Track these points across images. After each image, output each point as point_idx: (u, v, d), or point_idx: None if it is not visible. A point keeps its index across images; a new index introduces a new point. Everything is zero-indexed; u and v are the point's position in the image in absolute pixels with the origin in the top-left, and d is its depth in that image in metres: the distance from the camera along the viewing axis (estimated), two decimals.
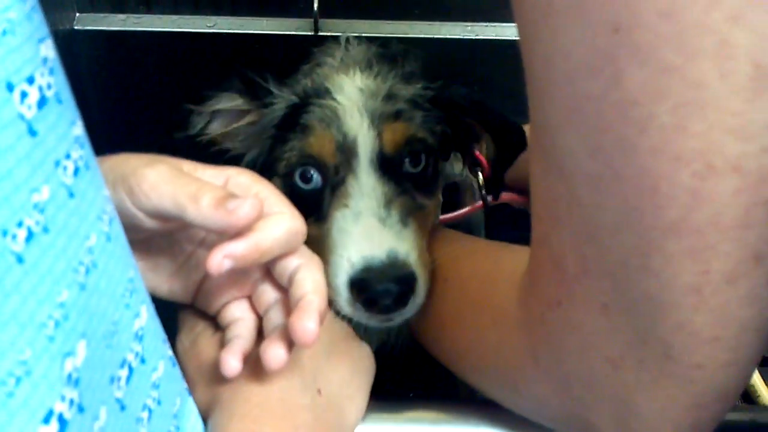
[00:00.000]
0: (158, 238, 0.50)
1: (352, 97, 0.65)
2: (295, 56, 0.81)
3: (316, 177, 0.64)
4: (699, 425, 0.39)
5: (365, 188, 0.62)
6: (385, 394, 0.54)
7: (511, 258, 0.51)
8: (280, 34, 1.02)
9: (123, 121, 1.05)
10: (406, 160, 0.65)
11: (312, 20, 1.01)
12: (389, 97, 0.66)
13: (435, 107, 0.68)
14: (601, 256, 0.36)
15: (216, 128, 0.71)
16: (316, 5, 1.00)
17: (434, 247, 0.65)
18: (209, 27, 1.02)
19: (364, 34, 1.01)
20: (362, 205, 0.61)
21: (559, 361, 0.42)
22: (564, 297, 0.39)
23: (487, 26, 1.02)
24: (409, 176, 0.65)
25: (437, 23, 1.04)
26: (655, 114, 0.30)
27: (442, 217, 0.78)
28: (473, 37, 1.02)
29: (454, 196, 0.83)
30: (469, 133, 0.73)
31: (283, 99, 0.67)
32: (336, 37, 0.80)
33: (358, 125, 0.63)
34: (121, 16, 1.02)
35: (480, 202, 0.80)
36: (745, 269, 0.33)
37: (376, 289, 0.57)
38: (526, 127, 0.72)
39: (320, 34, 1.01)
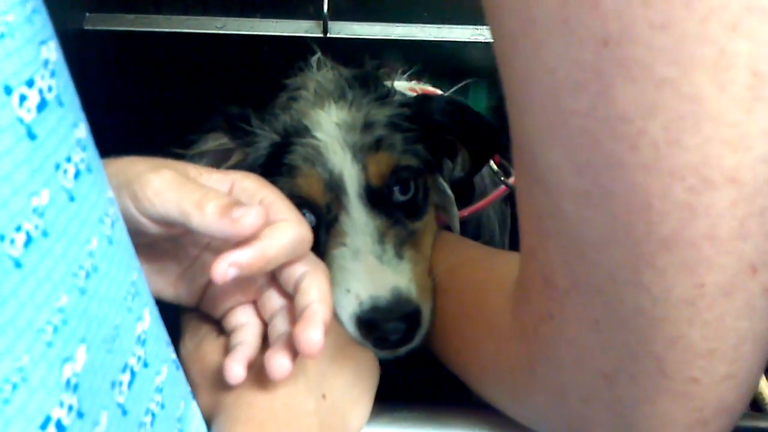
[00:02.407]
0: (163, 241, 0.50)
1: (331, 133, 0.65)
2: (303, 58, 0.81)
3: (309, 216, 0.64)
4: None
5: (358, 224, 0.62)
6: (390, 398, 0.53)
7: (503, 265, 0.50)
8: (289, 36, 1.02)
9: (131, 121, 1.05)
10: (395, 189, 0.65)
11: (321, 22, 1.01)
12: (367, 126, 0.66)
13: (414, 124, 0.68)
14: (589, 271, 0.35)
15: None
16: (325, 7, 0.99)
17: (433, 258, 0.65)
18: (218, 28, 1.02)
19: (374, 37, 1.02)
20: (359, 243, 0.61)
21: (555, 373, 0.41)
22: (556, 311, 0.39)
23: None
24: (399, 205, 0.65)
25: (447, 26, 1.03)
26: (646, 129, 0.29)
27: (466, 210, 0.78)
28: (482, 40, 1.02)
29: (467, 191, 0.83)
30: (450, 146, 0.73)
31: (265, 138, 0.67)
32: (307, 61, 0.79)
33: (342, 160, 0.63)
34: (131, 17, 1.02)
35: (503, 187, 0.80)
36: (742, 281, 0.32)
37: (385, 328, 0.58)
38: None
39: (329, 36, 1.01)
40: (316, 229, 0.63)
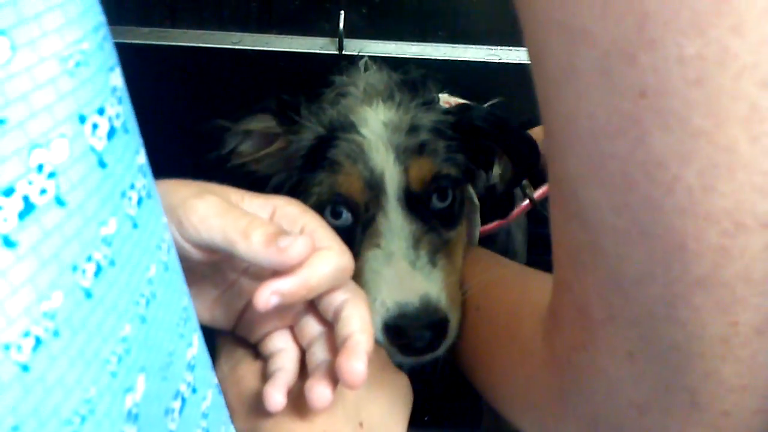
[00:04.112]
0: (202, 265, 0.49)
1: (376, 131, 0.65)
2: (318, 75, 0.81)
3: (346, 214, 0.65)
4: None
5: (394, 227, 0.62)
6: (419, 422, 0.53)
7: (537, 288, 0.50)
8: (305, 53, 1.02)
9: (145, 134, 1.05)
10: (434, 196, 0.66)
11: (337, 39, 1.01)
12: (413, 129, 0.66)
13: (457, 132, 0.69)
14: (626, 305, 0.35)
15: (247, 149, 0.71)
16: (341, 25, 1.00)
17: (466, 272, 0.65)
18: (234, 43, 1.03)
19: (388, 55, 1.02)
20: (393, 246, 0.62)
21: (586, 402, 0.41)
22: (589, 342, 0.39)
23: (510, 50, 1.03)
24: (435, 213, 0.66)
25: (461, 46, 1.04)
26: (681, 176, 0.30)
27: (489, 226, 0.79)
28: (497, 61, 1.02)
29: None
30: (490, 153, 0.74)
31: (310, 129, 0.68)
32: (355, 60, 0.80)
33: (384, 160, 0.64)
34: (146, 30, 1.03)
35: (527, 202, 0.80)
36: None
37: (411, 335, 0.59)
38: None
39: (344, 53, 1.01)
40: (352, 228, 0.64)
